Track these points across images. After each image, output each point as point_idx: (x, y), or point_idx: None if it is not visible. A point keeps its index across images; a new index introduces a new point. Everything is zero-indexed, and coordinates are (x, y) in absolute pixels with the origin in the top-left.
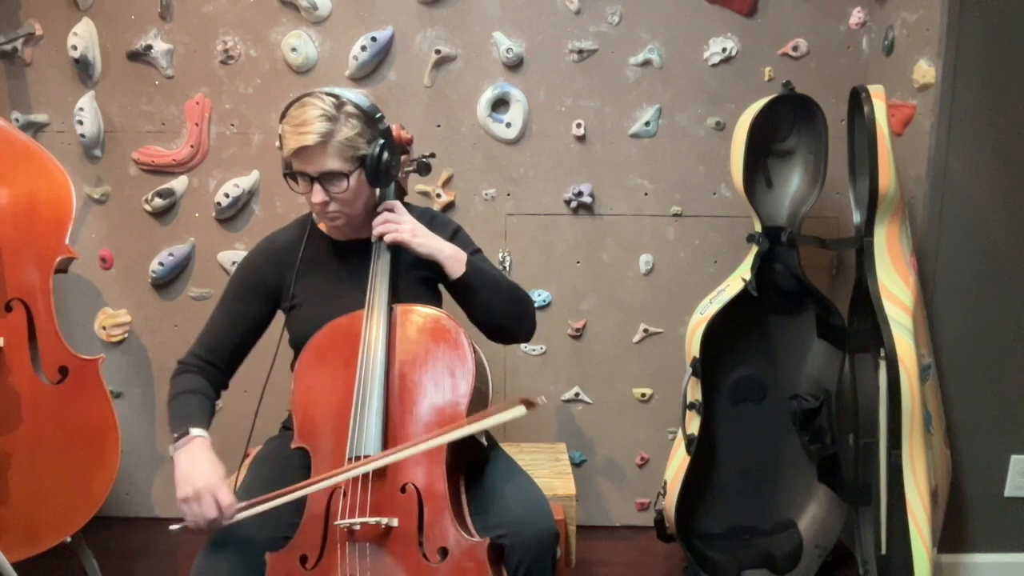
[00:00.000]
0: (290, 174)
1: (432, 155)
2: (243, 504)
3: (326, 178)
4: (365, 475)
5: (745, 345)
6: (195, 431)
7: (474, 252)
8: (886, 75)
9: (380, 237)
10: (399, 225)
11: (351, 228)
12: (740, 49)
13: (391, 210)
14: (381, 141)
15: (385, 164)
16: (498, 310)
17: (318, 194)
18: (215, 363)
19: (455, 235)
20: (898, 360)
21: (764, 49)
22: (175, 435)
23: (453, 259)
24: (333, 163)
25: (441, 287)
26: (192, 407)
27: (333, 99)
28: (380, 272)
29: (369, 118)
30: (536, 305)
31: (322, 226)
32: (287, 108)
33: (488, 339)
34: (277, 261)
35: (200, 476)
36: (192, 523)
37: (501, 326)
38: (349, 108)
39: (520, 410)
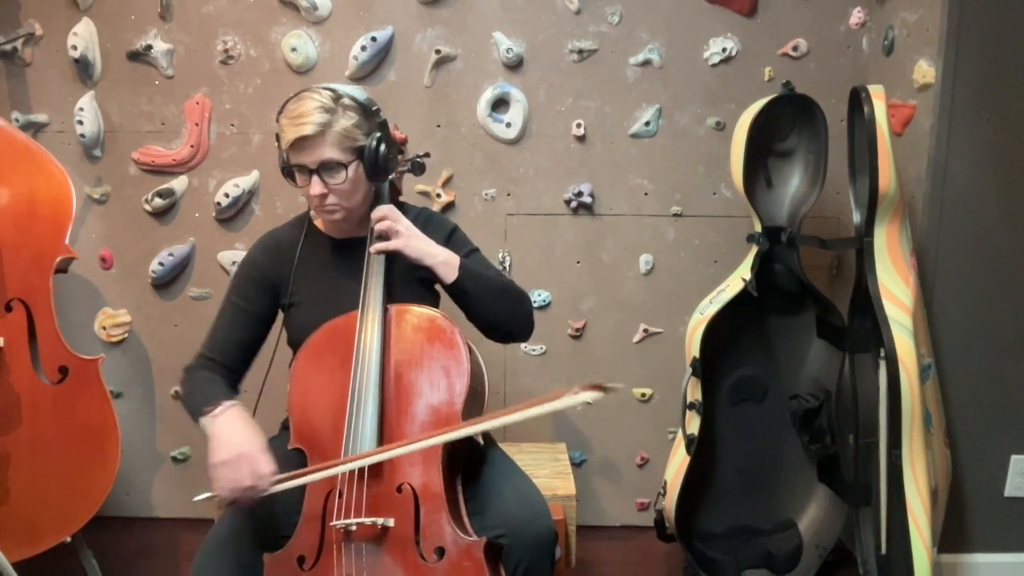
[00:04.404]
0: (288, 170)
1: (427, 155)
2: (280, 476)
3: (324, 169)
4: (361, 475)
5: (745, 345)
6: (229, 402)
7: (470, 253)
8: (886, 75)
9: (375, 251)
10: (396, 226)
11: (349, 224)
12: (740, 49)
13: (386, 216)
14: (378, 134)
15: (383, 157)
16: (494, 311)
17: (316, 186)
18: (224, 363)
19: (452, 235)
20: (898, 360)
21: (764, 49)
22: (206, 410)
23: (446, 264)
24: (331, 153)
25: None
26: (218, 388)
27: (330, 92)
28: (375, 272)
29: (366, 111)
30: (536, 305)
31: (319, 223)
32: (284, 104)
33: (487, 339)
34: (277, 256)
35: (240, 442)
36: (223, 491)
37: (498, 327)
38: (346, 101)
39: (591, 395)
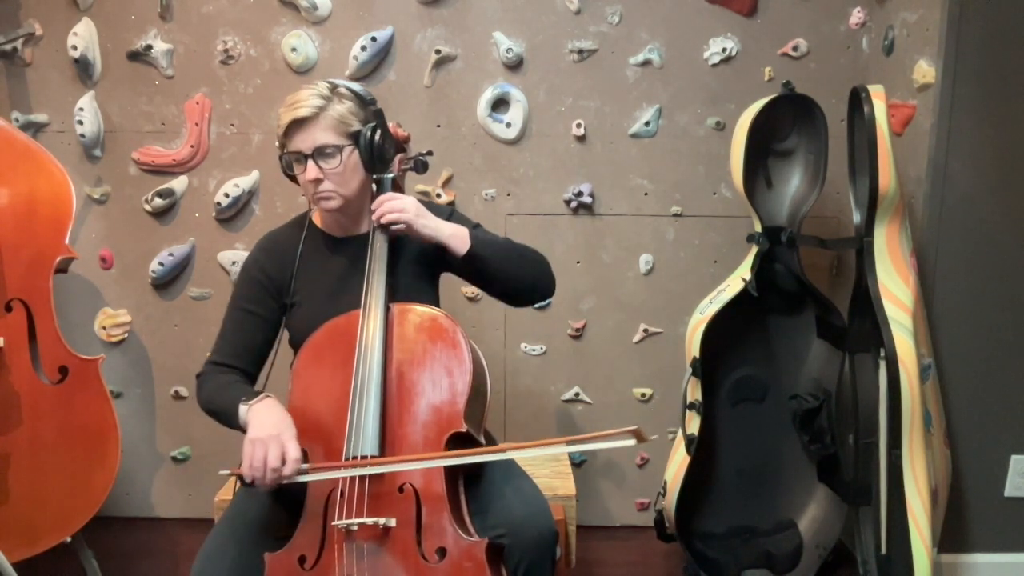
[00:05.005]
0: (286, 161)
1: (429, 153)
2: (307, 466)
3: (319, 155)
4: (363, 475)
5: (745, 345)
6: (264, 393)
7: (475, 227)
8: (886, 75)
9: (379, 220)
10: (402, 203)
11: (346, 216)
12: (740, 49)
13: (393, 208)
14: (374, 123)
15: (379, 145)
16: (514, 273)
17: (311, 171)
18: (236, 367)
19: (451, 216)
20: (898, 360)
21: (764, 49)
22: (243, 399)
23: (456, 237)
24: (326, 136)
25: (441, 283)
26: (242, 385)
27: (327, 83)
28: (377, 271)
29: (362, 100)
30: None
31: (317, 219)
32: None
33: (514, 307)
34: (278, 257)
35: (275, 424)
36: (251, 469)
37: (521, 289)
38: (342, 90)
39: (629, 441)
